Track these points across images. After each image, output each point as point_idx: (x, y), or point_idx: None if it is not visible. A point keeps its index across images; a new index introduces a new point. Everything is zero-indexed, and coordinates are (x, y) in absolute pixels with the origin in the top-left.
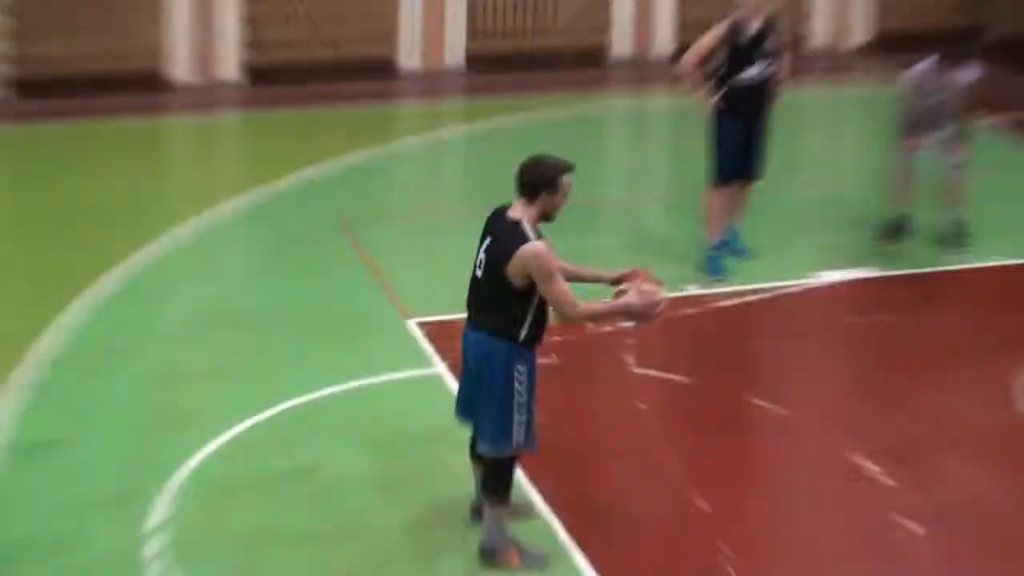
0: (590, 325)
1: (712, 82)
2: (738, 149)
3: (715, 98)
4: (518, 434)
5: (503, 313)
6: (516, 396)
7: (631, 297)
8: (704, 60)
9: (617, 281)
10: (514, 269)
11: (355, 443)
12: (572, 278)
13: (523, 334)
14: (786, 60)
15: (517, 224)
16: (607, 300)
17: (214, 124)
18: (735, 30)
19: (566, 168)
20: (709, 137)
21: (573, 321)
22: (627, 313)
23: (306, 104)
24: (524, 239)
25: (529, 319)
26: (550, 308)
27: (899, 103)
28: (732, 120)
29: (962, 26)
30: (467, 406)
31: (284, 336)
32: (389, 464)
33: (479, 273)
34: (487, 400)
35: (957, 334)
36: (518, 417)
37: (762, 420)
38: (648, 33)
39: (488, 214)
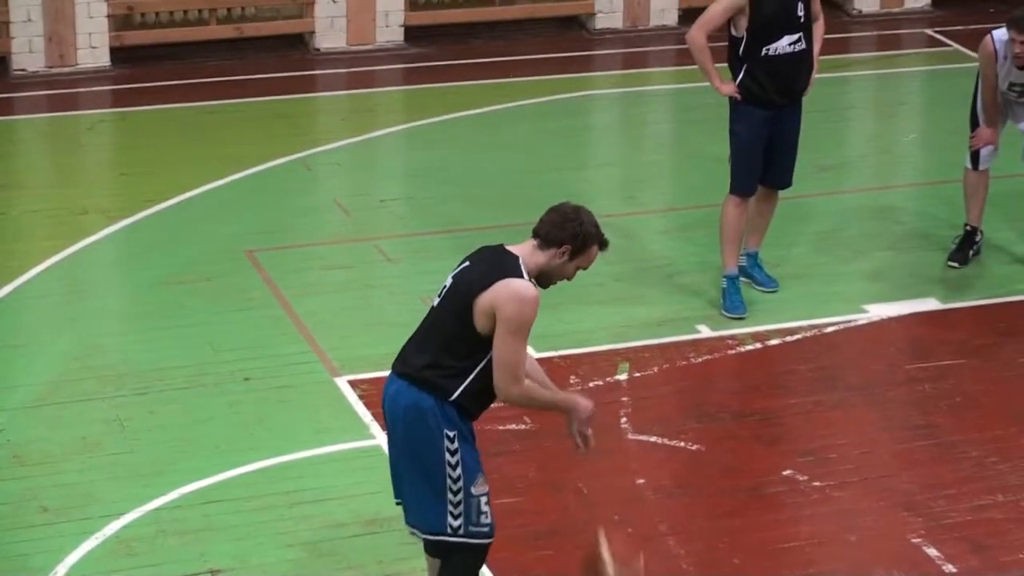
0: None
1: (730, 62)
2: (761, 148)
3: (733, 83)
4: (455, 520)
5: (443, 358)
6: (447, 470)
7: (580, 396)
8: (715, 32)
9: None
10: (486, 303)
11: (273, 539)
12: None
13: (457, 393)
14: (819, 30)
15: (513, 258)
16: (554, 390)
17: (74, 122)
18: None
19: (604, 242)
20: (728, 133)
21: (510, 397)
22: (570, 410)
23: (195, 95)
24: (516, 273)
25: (472, 378)
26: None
27: (974, 84)
28: (753, 111)
29: None
30: (398, 482)
31: (178, 401)
32: (317, 564)
33: (436, 302)
34: (409, 470)
35: None
36: (452, 498)
37: (796, 497)
38: None
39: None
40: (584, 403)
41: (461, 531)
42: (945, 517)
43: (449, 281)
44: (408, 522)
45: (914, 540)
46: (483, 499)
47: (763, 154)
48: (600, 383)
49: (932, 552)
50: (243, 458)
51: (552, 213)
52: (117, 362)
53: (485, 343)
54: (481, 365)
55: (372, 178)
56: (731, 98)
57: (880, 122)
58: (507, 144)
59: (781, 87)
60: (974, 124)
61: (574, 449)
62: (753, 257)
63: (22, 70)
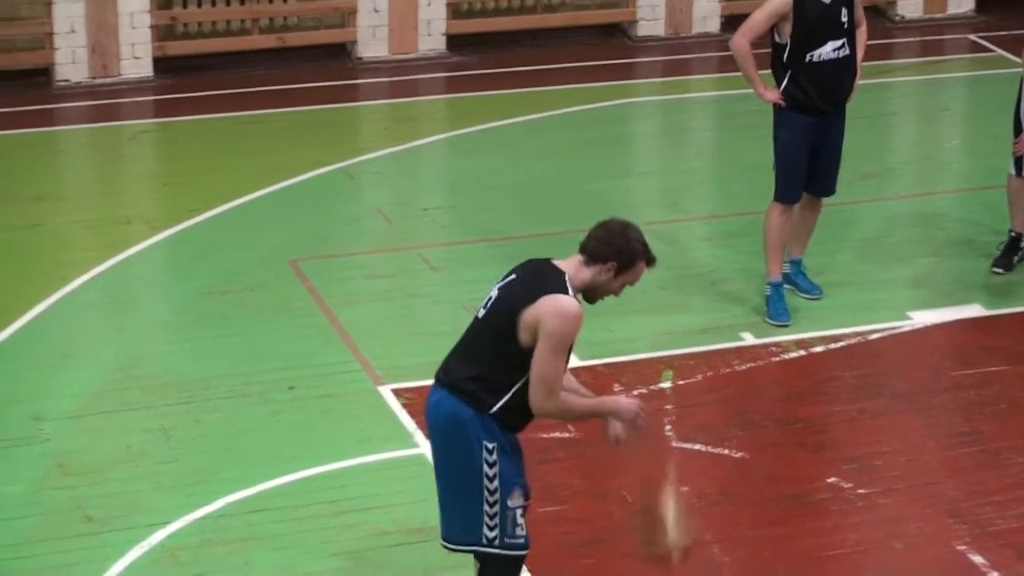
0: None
1: (774, 68)
2: (805, 155)
3: (778, 90)
4: (491, 531)
5: (485, 371)
6: (484, 481)
7: (621, 398)
8: (758, 39)
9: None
10: (531, 317)
11: (317, 548)
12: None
13: (497, 407)
14: (862, 36)
15: (559, 273)
16: (592, 398)
17: (117, 132)
18: (800, 1)
19: (651, 259)
20: (773, 140)
21: (545, 410)
22: (612, 413)
23: (238, 105)
24: (561, 288)
25: (512, 393)
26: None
27: (1018, 90)
28: (798, 118)
29: None
30: (439, 491)
31: (223, 410)
32: (361, 573)
33: (481, 313)
34: (447, 479)
35: None
36: (488, 510)
37: (841, 505)
38: (686, 5)
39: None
40: (626, 404)
41: (497, 542)
42: (991, 524)
43: (495, 293)
44: (442, 536)
45: (960, 547)
46: (518, 511)
47: (808, 161)
48: (644, 391)
49: (978, 559)
50: (287, 467)
51: (599, 229)
52: (161, 372)
53: (528, 358)
54: (523, 381)
55: (414, 187)
56: (775, 105)
57: (923, 128)
58: (549, 152)
59: (825, 93)
60: (1018, 130)
61: (613, 449)
62: (797, 264)
63: (65, 81)
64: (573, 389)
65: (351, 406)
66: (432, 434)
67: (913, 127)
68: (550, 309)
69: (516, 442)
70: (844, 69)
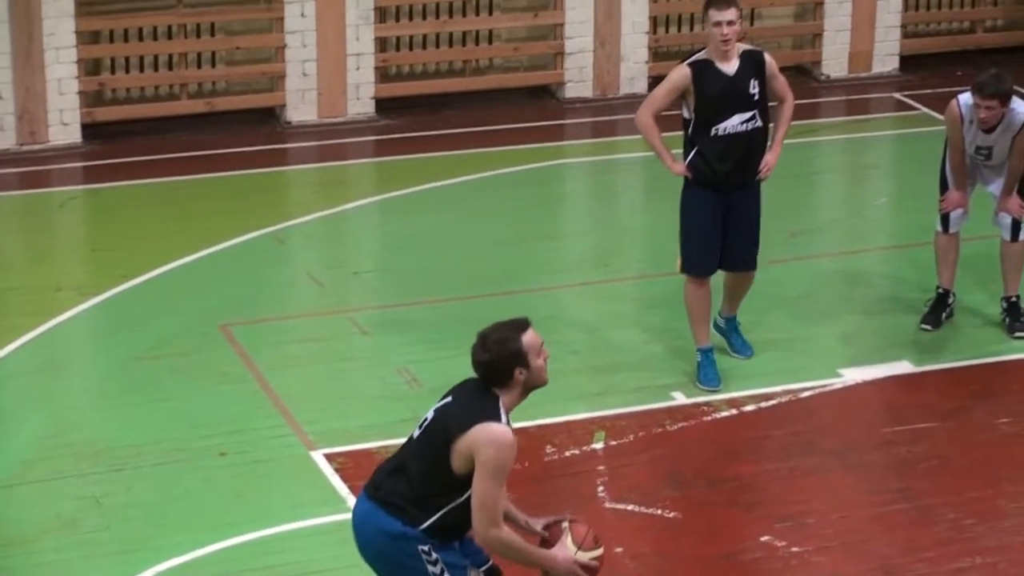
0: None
1: (684, 142)
2: (710, 233)
3: (684, 163)
4: None
5: (417, 491)
6: None
7: (559, 553)
8: (662, 112)
9: (545, 528)
10: (464, 446)
11: None
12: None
13: (426, 525)
14: (787, 111)
15: (494, 398)
16: (533, 540)
17: (46, 198)
18: (700, 73)
19: (522, 327)
20: (680, 213)
21: (487, 541)
22: (553, 569)
23: (167, 170)
24: (495, 415)
25: (445, 511)
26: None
27: (943, 147)
28: (703, 193)
29: (1018, 44)
30: None
31: (154, 477)
32: None
33: (416, 434)
34: None
35: (1017, 442)
36: None
37: (774, 563)
38: (613, 66)
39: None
40: (564, 563)
41: None
42: None
43: (431, 415)
44: None
45: None
46: None
47: (720, 237)
48: (576, 452)
49: None
50: (220, 534)
51: (479, 360)
52: (93, 439)
53: (460, 483)
54: (454, 503)
55: (345, 250)
56: (685, 178)
57: (850, 186)
58: (480, 214)
59: (732, 168)
60: (943, 187)
61: None
62: (731, 321)
63: None
64: (514, 517)
65: (284, 471)
66: (362, 548)
67: (840, 185)
68: (484, 439)
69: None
70: (753, 143)
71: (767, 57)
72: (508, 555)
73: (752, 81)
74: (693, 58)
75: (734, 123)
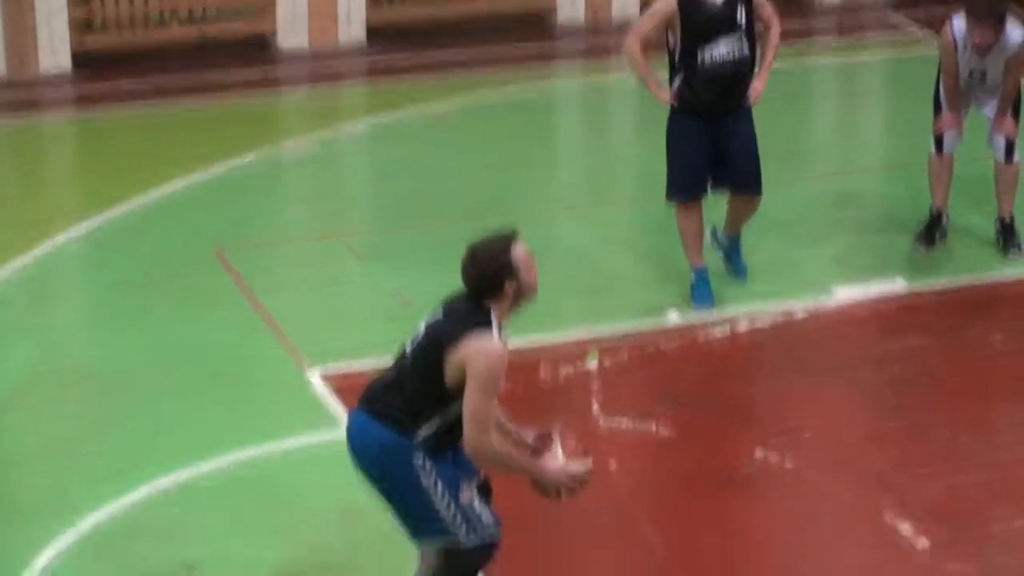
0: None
1: (670, 70)
2: (694, 159)
3: (669, 91)
4: (459, 529)
5: (410, 403)
6: (428, 493)
7: (549, 463)
8: (651, 41)
9: (536, 440)
10: (456, 358)
11: (246, 530)
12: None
13: (421, 436)
14: (773, 38)
15: (485, 310)
16: (523, 451)
17: (36, 128)
18: (686, 1)
19: (509, 240)
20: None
21: (478, 450)
22: (534, 478)
23: (158, 98)
24: (486, 327)
25: (436, 426)
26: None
27: (936, 70)
28: (689, 120)
29: None
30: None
31: (147, 397)
32: (292, 555)
33: (408, 348)
34: (390, 498)
35: (1010, 360)
36: (446, 515)
37: (768, 478)
38: None
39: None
40: (553, 473)
41: (471, 536)
42: (918, 496)
43: (422, 328)
44: (411, 537)
45: (888, 518)
46: (475, 502)
47: (712, 161)
48: (571, 370)
49: (906, 529)
50: (214, 452)
51: (469, 274)
52: (85, 364)
53: (453, 394)
54: (447, 415)
55: (337, 176)
56: (671, 105)
57: (843, 109)
58: (473, 140)
59: (717, 97)
60: (937, 109)
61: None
62: (734, 239)
63: None
64: (506, 430)
65: (278, 391)
66: (358, 460)
67: (833, 108)
68: (476, 350)
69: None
70: (739, 71)
71: None
72: (497, 464)
73: (739, 8)
74: None
75: (720, 51)
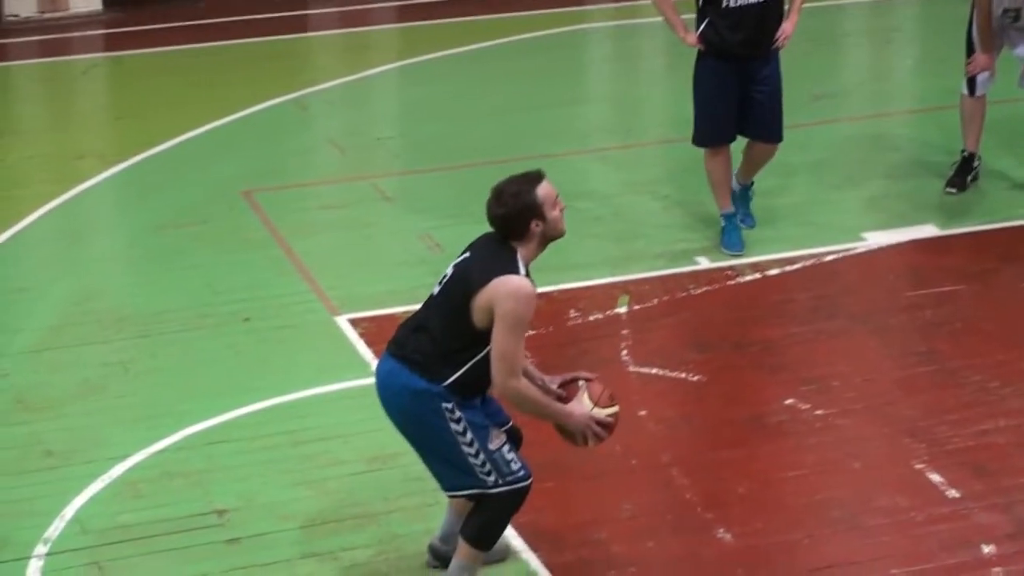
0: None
1: (697, 12)
2: (725, 101)
3: (696, 34)
4: (488, 477)
5: (439, 347)
6: (457, 439)
7: (575, 408)
8: None
9: (562, 387)
10: (483, 301)
11: (278, 478)
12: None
13: (451, 380)
14: None
15: (511, 251)
16: (550, 397)
17: (68, 67)
18: None
19: (536, 179)
20: (692, 84)
21: (505, 391)
22: (560, 423)
23: (191, 37)
24: (513, 268)
25: (468, 367)
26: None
27: (969, 10)
28: (715, 63)
29: None
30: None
31: (179, 343)
32: (322, 502)
33: (436, 290)
34: (420, 445)
35: None
36: (475, 462)
37: (796, 426)
38: None
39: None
40: (579, 419)
41: (500, 483)
42: (948, 443)
43: (450, 271)
44: (446, 489)
45: (917, 466)
46: (504, 449)
47: (734, 107)
48: (600, 316)
49: (935, 478)
50: (245, 398)
51: (495, 212)
52: (117, 306)
53: (482, 337)
54: (476, 358)
55: (367, 116)
56: (698, 49)
57: (875, 49)
58: (501, 80)
59: (744, 40)
60: (970, 50)
61: (576, 447)
62: (746, 188)
63: (14, 16)
64: (531, 375)
65: (308, 337)
66: (386, 405)
67: (865, 49)
68: (503, 291)
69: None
70: (767, 14)
71: None
72: (525, 407)
73: None
74: None
75: None
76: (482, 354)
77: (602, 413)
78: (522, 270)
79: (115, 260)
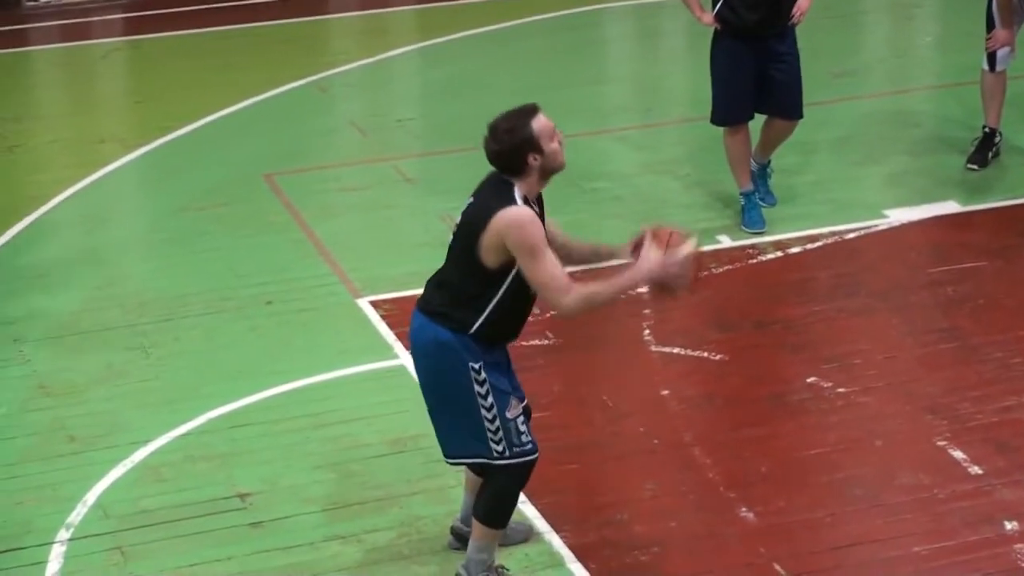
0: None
1: None
2: (743, 79)
3: (711, 13)
4: (497, 445)
5: (460, 293)
6: (477, 400)
7: (648, 257)
8: None
9: (636, 252)
10: (489, 240)
11: (300, 461)
12: (576, 260)
13: (476, 325)
14: None
15: (508, 186)
16: (614, 273)
17: (87, 51)
18: None
19: (530, 112)
20: (710, 63)
21: (569, 311)
22: (646, 282)
23: (210, 20)
24: (509, 201)
25: (490, 309)
26: (533, 300)
27: None
28: (732, 42)
29: None
30: (432, 416)
31: (201, 327)
32: (344, 485)
33: (450, 240)
34: (439, 401)
35: None
36: (489, 427)
37: (819, 404)
38: None
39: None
40: (652, 267)
41: (506, 454)
42: (970, 419)
43: (460, 218)
44: (448, 455)
45: (940, 443)
46: (519, 420)
47: (755, 85)
48: (621, 296)
49: (958, 455)
50: (267, 382)
51: (490, 157)
52: (140, 290)
53: (496, 276)
54: (497, 298)
55: (387, 98)
56: (715, 28)
57: (896, 26)
58: (521, 60)
59: (760, 18)
60: (990, 26)
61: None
62: (763, 168)
63: (34, 1)
64: (577, 248)
65: (330, 319)
66: (416, 359)
67: (885, 25)
68: (504, 225)
69: (503, 354)
70: None
71: None
72: (599, 303)
73: None
74: None
75: None
76: (500, 295)
77: (677, 254)
78: (519, 202)
79: (137, 244)
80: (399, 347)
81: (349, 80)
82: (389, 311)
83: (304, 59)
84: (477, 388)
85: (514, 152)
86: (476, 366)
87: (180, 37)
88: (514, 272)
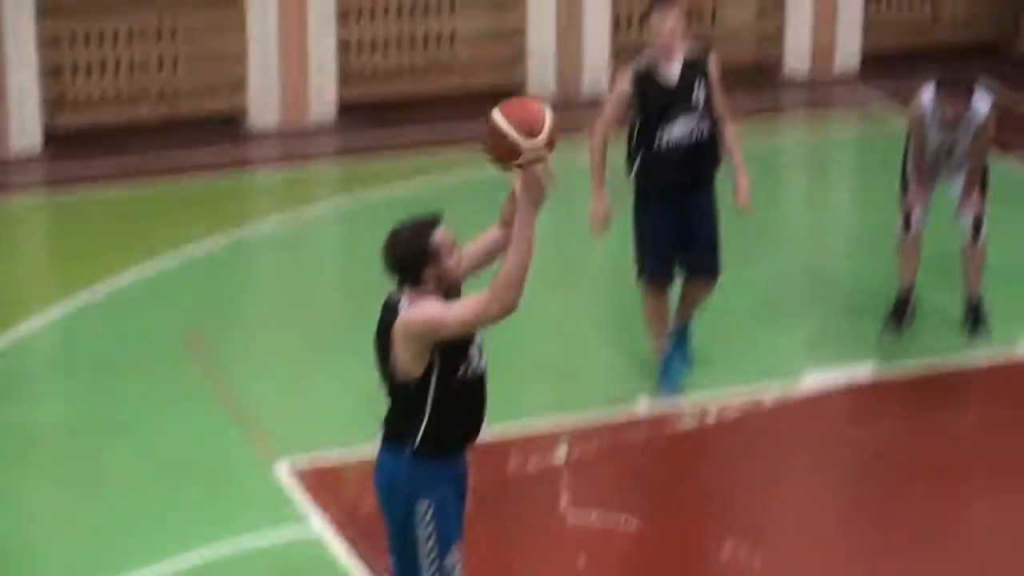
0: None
1: (627, 153)
2: (666, 239)
3: (603, 207)
4: None
5: (397, 408)
6: (420, 544)
7: (518, 185)
8: (619, 126)
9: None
10: (397, 347)
11: None
12: (486, 255)
13: (418, 441)
14: (731, 133)
15: (395, 302)
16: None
17: (6, 210)
18: (642, 79)
19: (432, 224)
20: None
21: (506, 305)
22: (535, 210)
23: (127, 178)
24: (398, 311)
25: (427, 418)
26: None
27: (904, 145)
28: (652, 203)
29: (979, 41)
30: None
31: (106, 495)
32: None
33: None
34: (391, 539)
35: (980, 444)
36: (426, 569)
37: (739, 571)
38: (575, 66)
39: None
40: (524, 199)
41: None
42: None
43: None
44: None
45: None
46: (456, 568)
47: (677, 243)
48: (539, 462)
49: None
50: (182, 548)
51: (387, 264)
52: (57, 456)
53: (422, 382)
54: (430, 403)
55: (311, 259)
56: (635, 187)
57: (812, 184)
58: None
59: (678, 175)
60: (905, 186)
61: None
62: (684, 329)
63: None
64: (481, 248)
65: (244, 485)
66: (376, 491)
67: (802, 184)
68: (403, 325)
69: (455, 478)
70: (700, 152)
71: (711, 61)
72: (517, 271)
73: (695, 87)
74: (638, 63)
75: (677, 133)
76: (432, 399)
77: (535, 143)
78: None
79: (55, 408)
80: (316, 515)
81: (271, 238)
82: (306, 476)
83: (226, 217)
84: (420, 532)
85: (411, 263)
86: (425, 505)
87: (99, 194)
88: (437, 371)
